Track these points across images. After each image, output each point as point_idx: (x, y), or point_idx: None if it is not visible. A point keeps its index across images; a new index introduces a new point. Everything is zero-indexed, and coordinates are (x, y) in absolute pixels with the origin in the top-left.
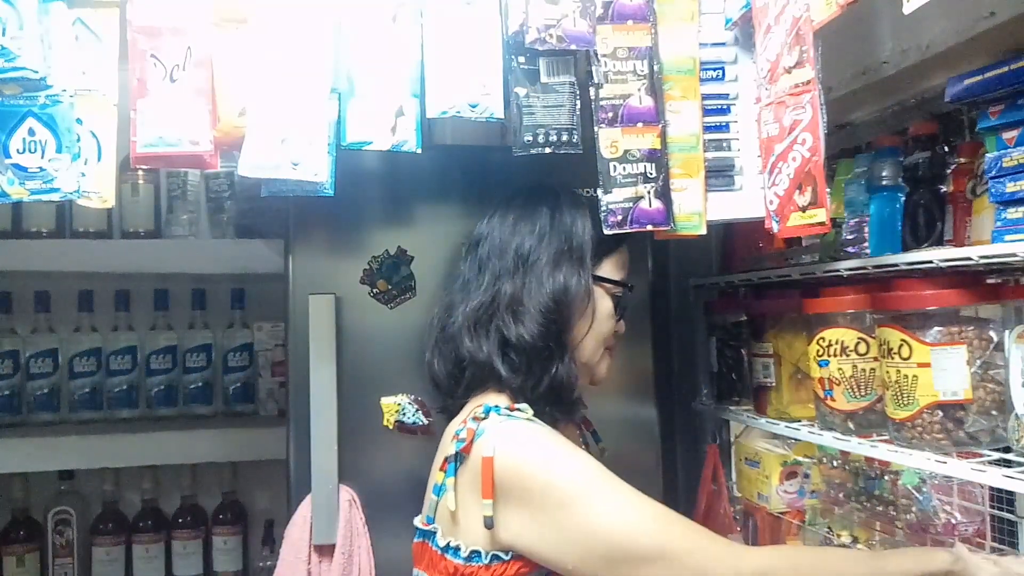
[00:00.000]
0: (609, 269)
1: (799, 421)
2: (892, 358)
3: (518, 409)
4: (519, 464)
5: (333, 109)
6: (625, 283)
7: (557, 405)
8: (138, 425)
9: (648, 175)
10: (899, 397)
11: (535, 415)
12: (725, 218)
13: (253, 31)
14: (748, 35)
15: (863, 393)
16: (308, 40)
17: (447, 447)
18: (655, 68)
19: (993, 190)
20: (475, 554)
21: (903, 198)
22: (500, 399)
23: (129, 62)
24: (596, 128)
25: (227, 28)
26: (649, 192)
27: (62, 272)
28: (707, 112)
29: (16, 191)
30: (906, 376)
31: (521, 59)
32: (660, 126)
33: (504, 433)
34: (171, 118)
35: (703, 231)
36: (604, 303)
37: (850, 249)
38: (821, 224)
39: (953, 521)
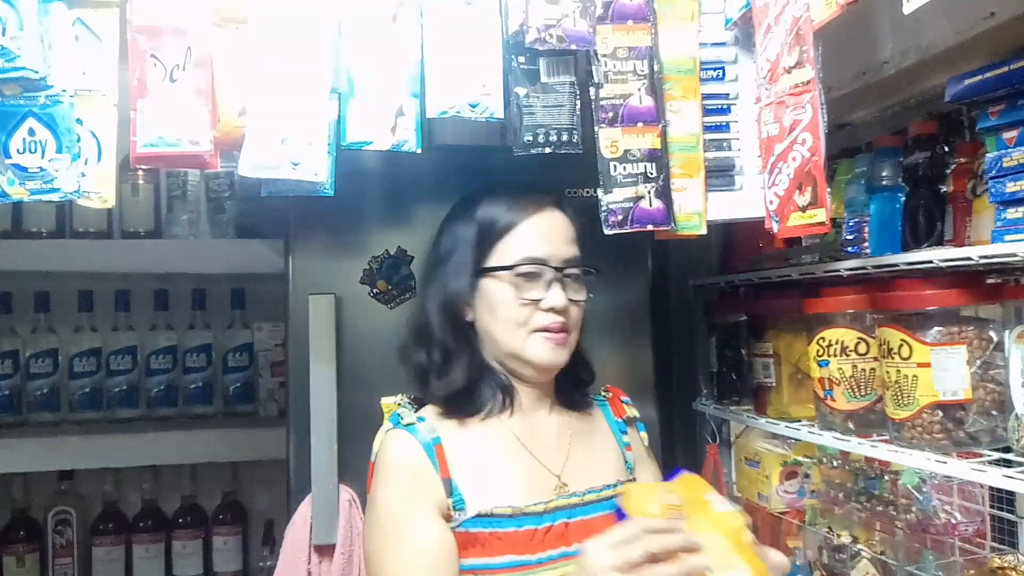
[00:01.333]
0: (499, 255)
1: (799, 421)
2: (892, 358)
3: (399, 417)
4: (374, 475)
5: (333, 109)
6: (511, 265)
7: (452, 404)
8: (138, 425)
9: (648, 175)
10: (899, 397)
11: (448, 413)
12: (725, 218)
13: (253, 31)
14: (748, 35)
15: (863, 393)
16: (308, 40)
17: None
18: (655, 68)
19: (993, 190)
20: None
21: (903, 198)
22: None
23: (129, 62)
24: (596, 128)
25: (227, 28)
26: (649, 192)
27: (62, 272)
28: (707, 112)
29: (16, 191)
30: (906, 376)
31: (521, 59)
32: (660, 126)
33: (381, 445)
34: (171, 118)
35: (703, 231)
36: (499, 291)
37: (850, 249)
38: (821, 224)
39: (953, 521)
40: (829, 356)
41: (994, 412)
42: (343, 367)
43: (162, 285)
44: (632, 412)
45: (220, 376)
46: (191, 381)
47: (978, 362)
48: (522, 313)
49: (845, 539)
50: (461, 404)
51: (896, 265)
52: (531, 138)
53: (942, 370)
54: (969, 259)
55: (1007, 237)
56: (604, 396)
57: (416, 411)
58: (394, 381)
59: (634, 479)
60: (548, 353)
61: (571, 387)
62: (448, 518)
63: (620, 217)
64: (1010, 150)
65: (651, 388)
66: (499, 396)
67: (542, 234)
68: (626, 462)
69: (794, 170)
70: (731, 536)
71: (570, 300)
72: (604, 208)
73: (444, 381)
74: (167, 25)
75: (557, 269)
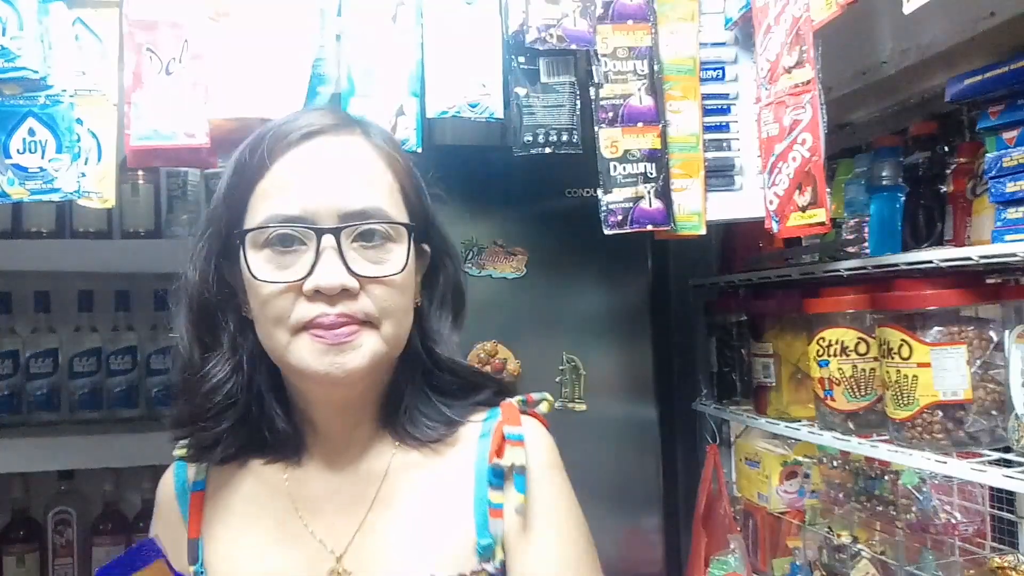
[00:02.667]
0: (250, 215)
1: (799, 421)
2: (892, 358)
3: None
4: None
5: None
6: (247, 230)
7: (194, 446)
8: (138, 425)
9: (648, 175)
10: (899, 397)
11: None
12: (725, 218)
13: (236, 21)
14: (748, 35)
15: (863, 393)
16: (291, 30)
17: None
18: (655, 68)
19: (993, 190)
20: None
21: (903, 198)
22: None
23: (124, 55)
24: (596, 128)
25: (223, 22)
26: (649, 192)
27: (62, 272)
28: (707, 112)
29: (16, 191)
30: (906, 376)
31: (521, 59)
32: (660, 126)
33: None
34: (166, 111)
35: (703, 231)
36: (247, 271)
37: (850, 249)
38: (821, 224)
39: (953, 521)
40: (829, 356)
41: (994, 412)
42: None
43: (162, 285)
44: (516, 458)
45: None
46: None
47: (978, 362)
48: (280, 303)
49: (845, 539)
50: (198, 448)
51: (896, 265)
52: (531, 138)
53: (942, 370)
54: (969, 259)
55: (1007, 237)
56: (493, 423)
57: None
58: None
59: (482, 571)
60: (317, 360)
61: (411, 410)
62: None
63: (620, 217)
64: (1010, 150)
65: (651, 388)
66: (269, 437)
67: (306, 176)
68: (481, 537)
69: (794, 170)
70: None
71: (360, 275)
72: (604, 208)
73: (179, 412)
74: (164, 19)
75: (328, 231)
